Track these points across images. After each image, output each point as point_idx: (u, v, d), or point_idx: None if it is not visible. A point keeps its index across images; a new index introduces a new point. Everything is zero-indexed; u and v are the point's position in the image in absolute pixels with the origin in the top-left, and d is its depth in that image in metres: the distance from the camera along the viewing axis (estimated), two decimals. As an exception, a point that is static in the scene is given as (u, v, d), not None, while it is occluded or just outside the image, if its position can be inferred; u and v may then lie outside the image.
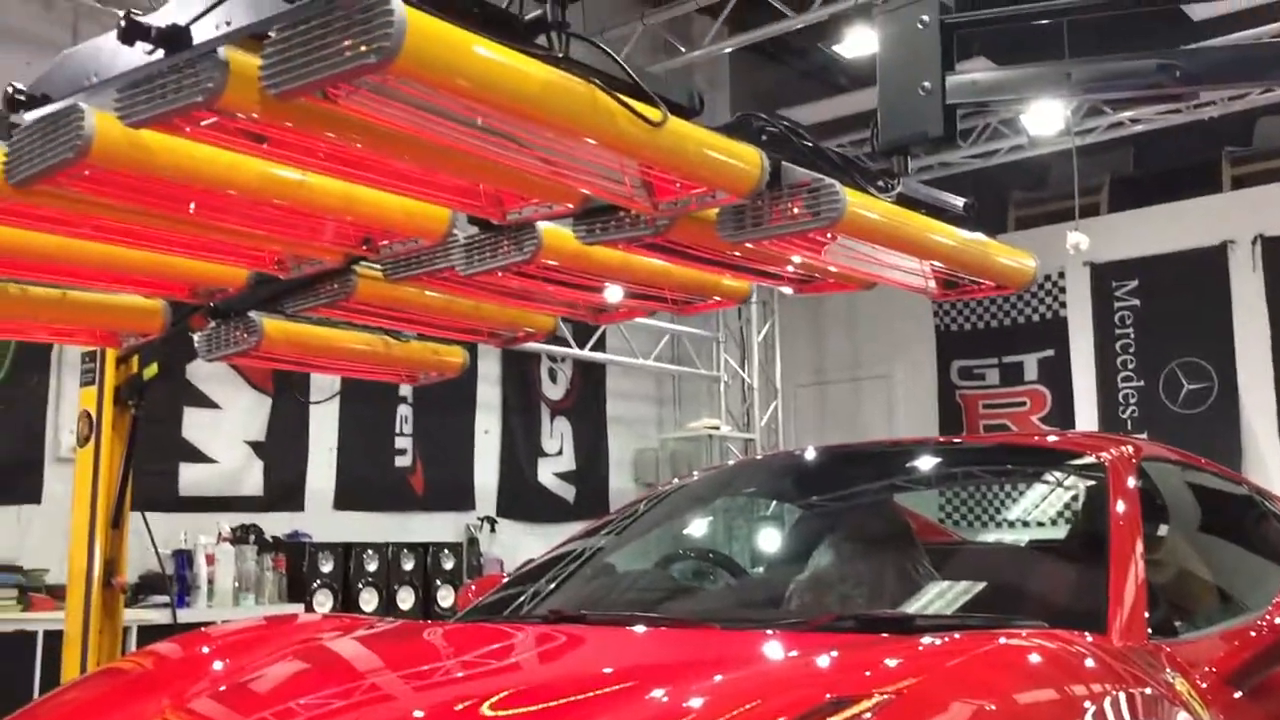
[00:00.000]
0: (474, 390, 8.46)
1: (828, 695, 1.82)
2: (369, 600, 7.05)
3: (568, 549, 3.67)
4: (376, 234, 2.67)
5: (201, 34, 1.84)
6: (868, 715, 1.76)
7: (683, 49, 8.47)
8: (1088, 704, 2.03)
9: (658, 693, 2.08)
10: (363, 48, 1.65)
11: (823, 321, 9.95)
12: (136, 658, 2.96)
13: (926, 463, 3.81)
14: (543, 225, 2.73)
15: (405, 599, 7.21)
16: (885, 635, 2.42)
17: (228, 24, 1.79)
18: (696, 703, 1.97)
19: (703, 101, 2.21)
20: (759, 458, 4.90)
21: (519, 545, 8.40)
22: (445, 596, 7.40)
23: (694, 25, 8.84)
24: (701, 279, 3.18)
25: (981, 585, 3.00)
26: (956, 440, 5.71)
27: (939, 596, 3.04)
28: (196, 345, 3.51)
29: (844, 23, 8.00)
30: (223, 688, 2.55)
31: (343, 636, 2.95)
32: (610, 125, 1.90)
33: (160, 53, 1.88)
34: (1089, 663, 2.19)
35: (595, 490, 9.19)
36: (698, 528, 4.10)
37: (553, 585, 3.41)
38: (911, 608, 2.95)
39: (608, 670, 2.46)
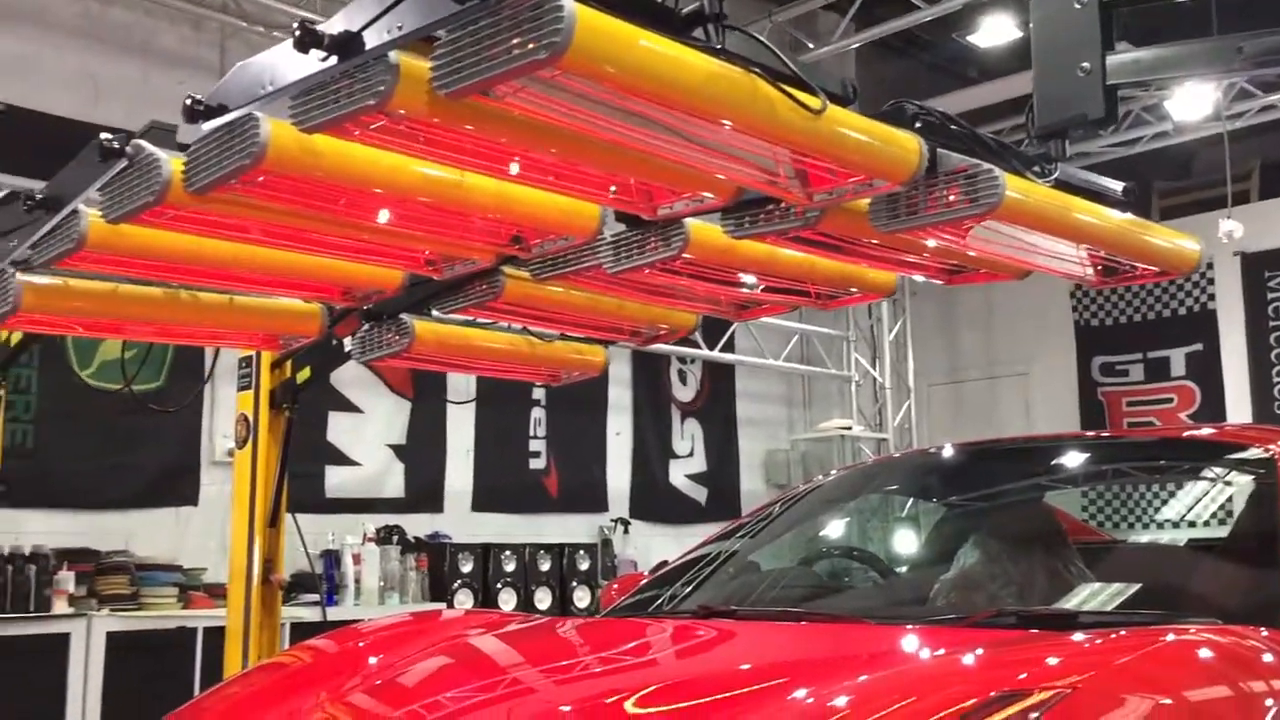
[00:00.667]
0: (605, 393, 8.54)
1: (992, 692, 1.78)
2: (507, 600, 7.17)
3: (708, 549, 3.66)
4: (529, 233, 2.71)
5: (373, 39, 1.90)
6: (1034, 714, 1.72)
7: (810, 45, 8.42)
8: (1269, 701, 1.96)
9: (814, 687, 2.07)
10: (531, 44, 1.68)
11: (955, 319, 9.77)
12: (295, 652, 3.06)
13: (1075, 459, 3.70)
14: (689, 221, 2.74)
15: (542, 599, 7.31)
16: (1047, 631, 2.37)
17: (399, 28, 1.85)
18: (855, 698, 1.95)
19: (856, 90, 2.20)
20: (897, 455, 4.82)
21: (651, 546, 8.44)
22: (581, 597, 7.48)
23: (820, 21, 8.78)
24: (846, 272, 3.15)
25: (1141, 585, 2.90)
26: (1106, 435, 5.54)
27: (1095, 595, 2.95)
28: (350, 348, 3.62)
29: (978, 12, 7.85)
30: (377, 682, 2.62)
31: (490, 632, 3.00)
32: (771, 114, 1.90)
33: (333, 59, 1.94)
34: (1267, 657, 2.10)
35: (726, 492, 9.18)
36: (838, 527, 4.06)
37: (696, 583, 3.42)
38: (1068, 606, 2.87)
39: (761, 665, 2.45)
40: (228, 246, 2.71)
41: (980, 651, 2.18)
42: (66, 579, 5.64)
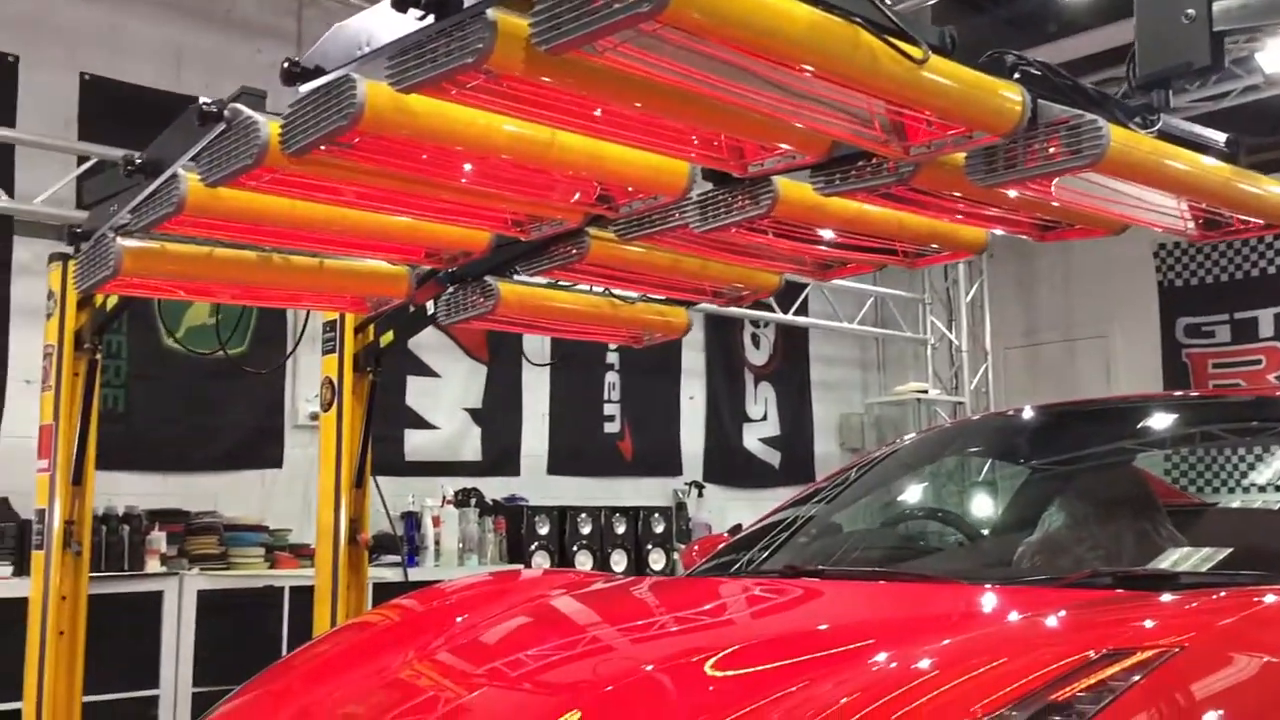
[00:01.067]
0: (679, 357, 8.54)
1: (1090, 652, 1.75)
2: (584, 562, 7.22)
3: (787, 513, 3.65)
4: (617, 192, 2.71)
5: (470, -3, 1.90)
6: (1138, 674, 1.70)
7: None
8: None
9: (905, 648, 2.05)
10: (633, -2, 1.67)
11: (1033, 280, 9.60)
12: (381, 612, 3.11)
13: (1163, 419, 3.62)
14: (777, 179, 2.72)
15: (618, 561, 7.36)
16: (1144, 592, 2.33)
17: (497, -16, 1.85)
18: (948, 659, 1.92)
19: (955, 41, 2.15)
20: (977, 418, 4.75)
21: (726, 510, 8.45)
22: (656, 559, 7.51)
23: (895, -21, 8.63)
24: (935, 229, 3.11)
25: (1235, 548, 2.84)
26: (1195, 395, 5.39)
27: (1188, 558, 2.89)
28: (436, 310, 3.65)
29: (1059, -36, 7.66)
30: (462, 641, 2.65)
31: (571, 591, 3.02)
32: (873, 65, 1.87)
33: (430, 18, 1.95)
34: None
35: (800, 456, 9.15)
36: (918, 490, 4.02)
37: (779, 545, 3.40)
38: (1164, 567, 2.82)
39: (849, 624, 2.44)
40: (319, 209, 2.74)
41: (1079, 611, 2.15)
42: (158, 539, 5.78)
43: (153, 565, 5.73)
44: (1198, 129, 2.58)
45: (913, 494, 3.97)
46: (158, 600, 5.69)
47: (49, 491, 4.03)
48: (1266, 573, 2.48)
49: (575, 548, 7.21)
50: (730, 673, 2.11)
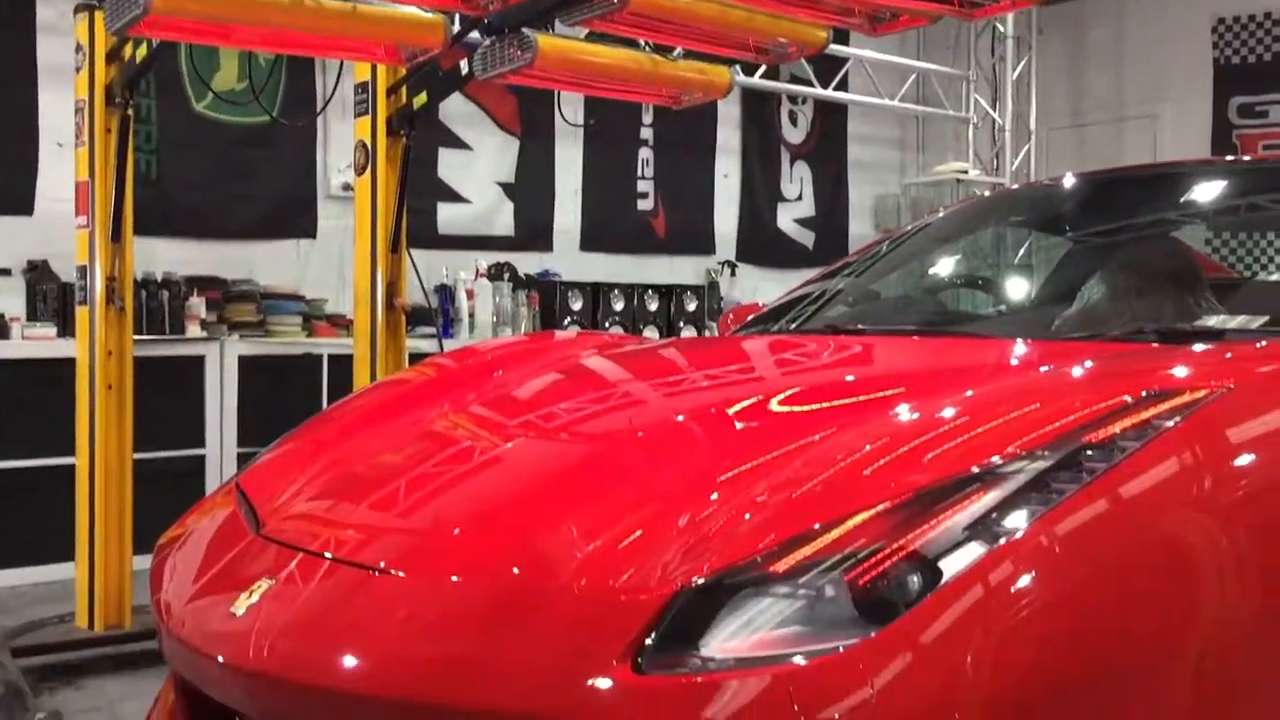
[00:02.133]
0: (714, 133, 8.37)
1: (1127, 397, 1.74)
2: (617, 337, 7.28)
3: (821, 284, 3.62)
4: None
5: None
6: (1184, 412, 1.69)
7: None
8: None
9: (944, 394, 2.04)
10: None
11: (1084, 57, 9.24)
12: (418, 369, 3.14)
13: (1212, 188, 3.50)
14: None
15: (650, 336, 7.42)
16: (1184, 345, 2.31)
17: None
18: (985, 401, 1.92)
19: None
20: (1015, 188, 4.62)
21: (758, 290, 8.45)
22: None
23: None
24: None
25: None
26: (1248, 159, 5.17)
27: (1230, 323, 2.86)
28: (471, 65, 3.55)
29: None
30: (497, 395, 2.69)
31: (606, 351, 3.04)
32: None
33: None
34: None
35: (834, 237, 9.07)
36: (952, 262, 3.97)
37: (816, 308, 3.39)
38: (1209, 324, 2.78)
39: (888, 374, 2.45)
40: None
41: (1116, 360, 2.14)
42: (198, 305, 5.85)
43: (193, 330, 5.82)
44: None
45: (945, 267, 3.93)
46: (200, 365, 5.81)
47: (89, 248, 4.05)
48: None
49: (608, 324, 7.26)
50: (758, 423, 2.12)
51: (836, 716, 1.39)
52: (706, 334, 7.54)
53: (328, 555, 1.92)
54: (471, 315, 6.78)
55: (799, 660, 1.44)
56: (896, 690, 1.40)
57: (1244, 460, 1.75)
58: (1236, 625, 1.62)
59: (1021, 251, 4.61)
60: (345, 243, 5.44)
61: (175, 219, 6.09)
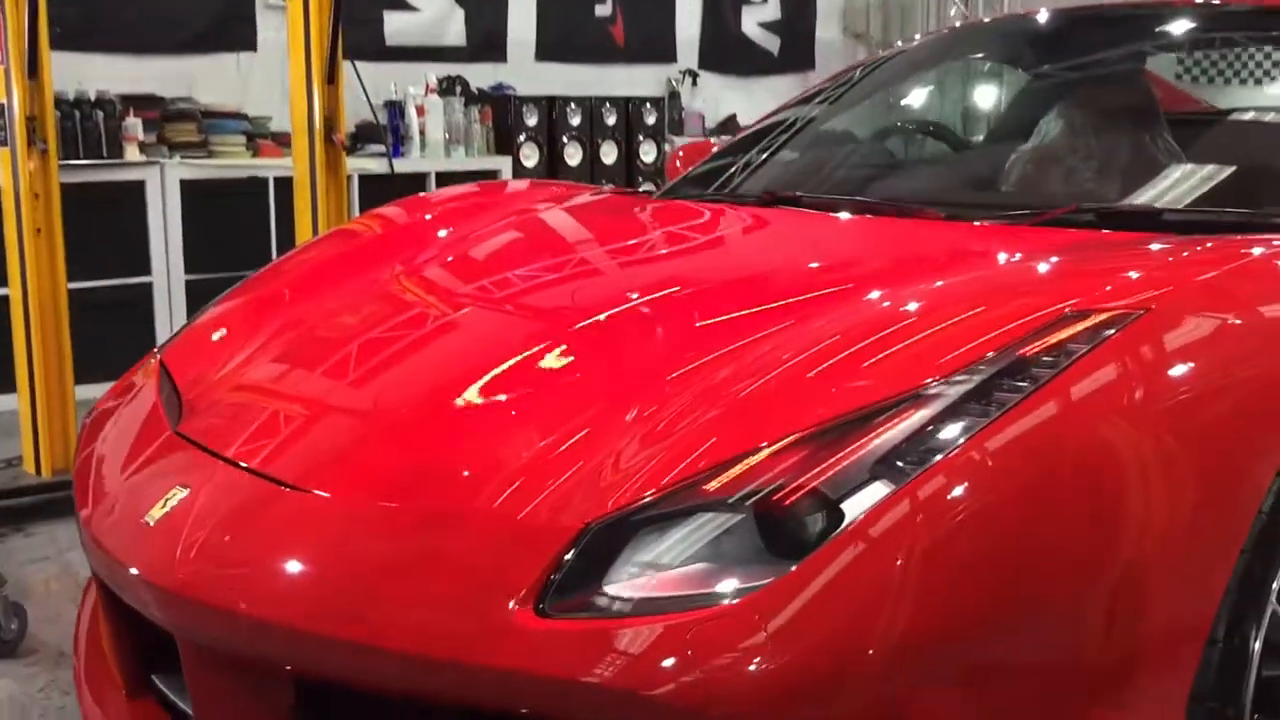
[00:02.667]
0: (676, -69, 7.97)
1: (1066, 308, 1.72)
2: (573, 155, 7.11)
3: (778, 119, 3.53)
4: None
5: None
6: (1110, 330, 1.67)
7: None
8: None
9: (873, 295, 2.02)
10: None
11: None
12: (365, 221, 3.08)
13: (1185, 25, 3.38)
14: None
15: (608, 153, 7.25)
16: (1126, 234, 2.27)
17: None
18: (924, 304, 1.90)
19: None
20: (989, 20, 4.46)
21: (720, 99, 8.23)
22: (647, 152, 7.40)
23: None
24: None
25: (1234, 169, 2.75)
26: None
27: (1182, 182, 2.81)
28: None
29: None
30: (449, 257, 2.65)
31: (556, 208, 2.98)
32: None
33: None
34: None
35: (801, 41, 8.75)
36: (919, 97, 3.88)
37: (764, 158, 3.31)
38: (1149, 193, 2.75)
39: (827, 264, 2.41)
40: None
41: (1055, 260, 2.10)
42: (135, 125, 5.63)
43: (131, 153, 5.62)
44: None
45: (910, 103, 3.84)
46: (140, 189, 5.63)
47: (5, 87, 3.86)
48: (1259, 210, 2.43)
49: (564, 139, 7.08)
50: (706, 320, 2.08)
51: (738, 660, 1.41)
52: (667, 148, 7.38)
53: (242, 465, 1.91)
54: (422, 133, 6.58)
55: (703, 603, 1.45)
56: (804, 630, 1.41)
57: (1165, 383, 1.71)
58: (1157, 540, 1.62)
59: (985, 90, 4.50)
60: (286, 56, 5.20)
61: (106, 32, 5.79)
